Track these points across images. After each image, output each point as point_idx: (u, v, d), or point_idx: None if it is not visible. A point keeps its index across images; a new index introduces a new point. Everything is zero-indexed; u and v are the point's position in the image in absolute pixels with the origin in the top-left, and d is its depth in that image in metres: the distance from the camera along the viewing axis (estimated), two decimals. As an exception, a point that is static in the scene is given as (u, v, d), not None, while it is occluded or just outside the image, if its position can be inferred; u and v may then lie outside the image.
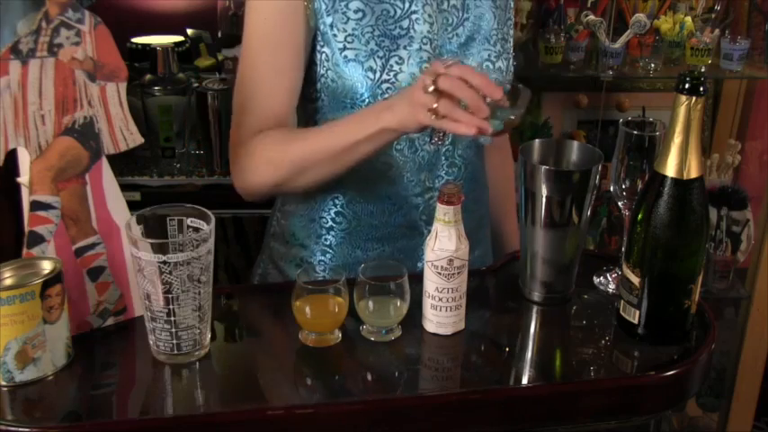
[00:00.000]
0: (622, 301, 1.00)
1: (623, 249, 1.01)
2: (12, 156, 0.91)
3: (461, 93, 0.93)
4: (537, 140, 1.08)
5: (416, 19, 1.10)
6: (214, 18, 2.35)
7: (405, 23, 1.10)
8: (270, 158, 1.09)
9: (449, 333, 0.99)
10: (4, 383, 0.88)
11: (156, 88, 2.04)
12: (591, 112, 2.27)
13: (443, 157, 1.18)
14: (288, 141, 1.09)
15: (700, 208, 0.93)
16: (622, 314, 1.00)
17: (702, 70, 2.04)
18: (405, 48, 1.10)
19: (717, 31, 2.06)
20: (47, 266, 0.90)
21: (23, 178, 0.93)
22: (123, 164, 2.03)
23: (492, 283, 1.15)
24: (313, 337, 0.97)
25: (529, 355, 1.01)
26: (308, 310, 0.96)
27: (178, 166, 2.08)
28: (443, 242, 0.96)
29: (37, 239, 0.93)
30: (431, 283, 0.97)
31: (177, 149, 2.09)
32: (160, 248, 0.87)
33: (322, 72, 1.12)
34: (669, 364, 0.95)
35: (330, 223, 1.20)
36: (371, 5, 1.09)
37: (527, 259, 1.07)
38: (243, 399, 0.91)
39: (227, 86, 2.00)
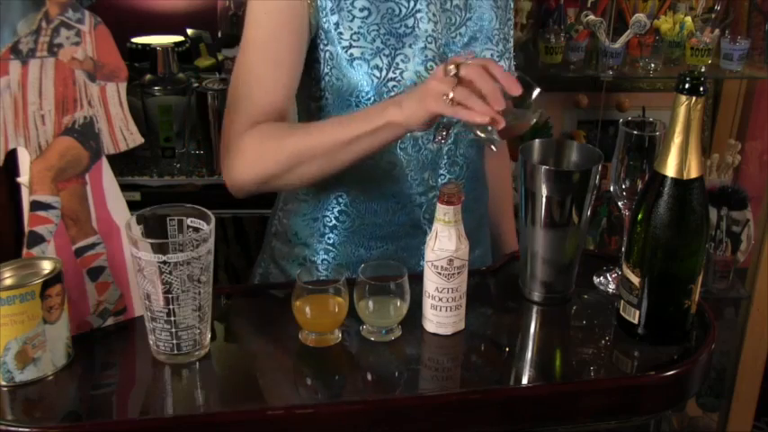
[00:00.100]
0: (622, 301, 1.00)
1: (623, 249, 1.01)
2: (12, 156, 0.91)
3: (482, 81, 0.92)
4: (537, 140, 1.08)
5: (421, 18, 1.11)
6: (214, 18, 2.35)
7: (410, 22, 1.10)
8: (265, 150, 1.07)
9: (449, 333, 0.99)
10: (4, 383, 0.88)
11: (156, 88, 2.04)
12: (591, 112, 2.27)
13: (446, 156, 1.19)
14: (286, 134, 1.07)
15: (700, 208, 0.93)
16: (622, 314, 1.00)
17: (702, 70, 2.04)
18: (410, 46, 1.10)
19: (717, 31, 2.06)
20: (47, 266, 0.90)
21: (23, 178, 0.93)
22: (123, 164, 2.03)
23: (492, 283, 1.15)
24: (313, 337, 0.97)
25: (529, 355, 1.01)
26: (307, 310, 0.96)
27: (178, 166, 2.08)
28: (443, 242, 0.96)
29: (37, 239, 0.93)
30: (431, 283, 0.97)
31: (177, 149, 2.09)
32: (160, 248, 0.87)
33: (326, 71, 1.12)
34: (669, 364, 0.95)
35: (334, 222, 1.20)
36: (377, 4, 1.09)
37: (527, 259, 1.07)
38: (243, 399, 0.91)
39: (227, 86, 2.00)
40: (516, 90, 0.93)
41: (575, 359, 0.98)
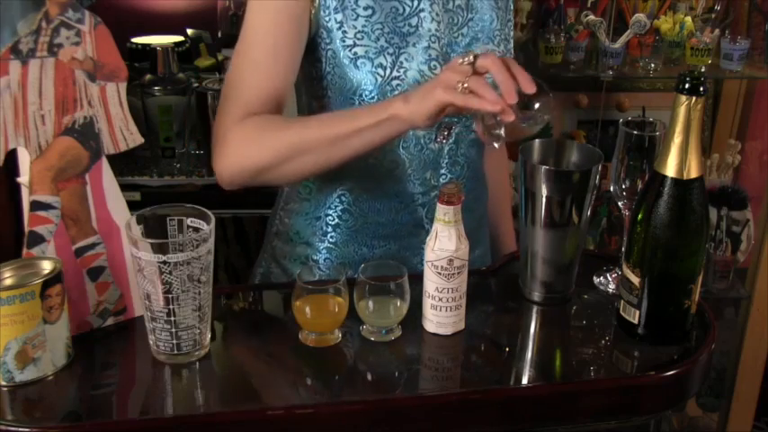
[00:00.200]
0: (622, 301, 1.00)
1: (623, 249, 1.01)
2: (12, 156, 0.91)
3: (498, 72, 0.92)
4: (537, 140, 1.08)
5: (424, 17, 1.11)
6: (214, 18, 2.35)
7: (413, 21, 1.10)
8: (263, 139, 1.05)
9: (449, 333, 0.99)
10: (4, 383, 0.88)
11: (156, 88, 2.04)
12: (591, 112, 2.27)
13: (447, 156, 1.19)
14: (284, 125, 1.06)
15: (700, 208, 0.93)
16: (622, 314, 1.00)
17: (702, 70, 2.04)
18: (413, 45, 1.10)
19: (717, 31, 2.06)
20: (47, 266, 0.90)
21: (23, 178, 0.93)
22: (123, 164, 2.03)
23: (492, 283, 1.15)
24: (313, 337, 0.97)
25: (529, 355, 1.01)
26: (307, 310, 0.97)
27: (178, 166, 2.09)
28: (443, 242, 0.96)
29: (37, 239, 0.93)
30: (431, 283, 0.97)
31: (177, 149, 2.09)
32: (160, 248, 0.87)
33: (328, 70, 1.12)
34: (669, 364, 0.95)
35: (336, 220, 1.20)
36: (380, 3, 1.09)
37: (527, 259, 1.07)
38: (243, 399, 0.91)
39: (227, 86, 2.00)
40: (531, 88, 0.93)
41: (575, 359, 0.98)
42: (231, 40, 2.24)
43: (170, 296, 0.89)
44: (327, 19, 1.08)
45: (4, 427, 0.82)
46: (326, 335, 0.98)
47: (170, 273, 0.87)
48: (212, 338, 0.97)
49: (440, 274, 0.96)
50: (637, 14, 1.99)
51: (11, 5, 0.88)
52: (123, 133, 0.97)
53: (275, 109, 1.08)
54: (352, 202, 1.19)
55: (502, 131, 0.96)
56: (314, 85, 1.15)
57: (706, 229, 0.95)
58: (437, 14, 1.12)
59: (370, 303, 0.98)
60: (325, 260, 1.22)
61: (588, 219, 1.06)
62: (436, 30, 1.12)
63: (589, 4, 2.10)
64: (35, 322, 0.87)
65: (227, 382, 0.94)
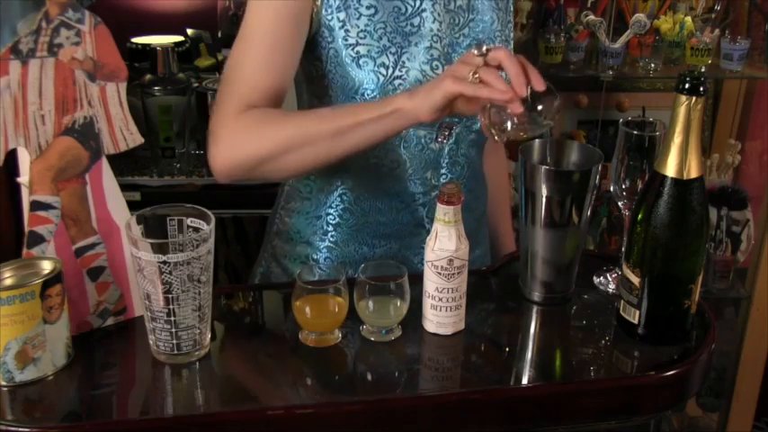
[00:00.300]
0: (622, 301, 1.00)
1: (623, 249, 1.01)
2: (12, 156, 0.91)
3: (511, 64, 0.93)
4: (537, 140, 1.08)
5: (426, 17, 1.11)
6: (214, 18, 2.35)
7: (415, 21, 1.10)
8: (262, 131, 1.03)
9: (449, 333, 0.99)
10: (4, 383, 0.88)
11: (156, 88, 2.04)
12: (591, 112, 2.27)
13: (447, 156, 1.19)
14: (284, 117, 1.05)
15: (700, 208, 0.93)
16: (622, 314, 1.00)
17: (702, 70, 2.04)
18: (416, 45, 1.10)
19: (717, 31, 2.06)
20: (47, 266, 0.90)
21: (23, 178, 0.93)
22: (123, 164, 2.03)
23: (492, 283, 1.15)
24: (313, 337, 0.97)
25: (529, 355, 1.01)
26: (307, 310, 0.96)
27: (178, 166, 2.09)
28: (443, 242, 0.95)
29: (37, 239, 0.93)
30: (431, 283, 0.97)
31: (177, 149, 2.09)
32: (160, 248, 0.87)
33: (329, 68, 1.12)
34: (669, 364, 0.95)
35: (337, 219, 1.20)
36: (383, 2, 1.09)
37: (527, 259, 1.07)
38: (243, 399, 0.91)
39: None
40: (540, 85, 0.94)
41: (575, 359, 0.98)
42: (231, 40, 2.22)
43: (170, 296, 0.89)
44: (330, 18, 1.08)
45: (4, 427, 0.82)
46: (326, 335, 0.98)
47: (170, 273, 0.87)
48: (212, 338, 0.97)
49: (440, 274, 0.96)
50: (637, 14, 1.99)
51: (11, 5, 0.88)
52: (123, 133, 0.97)
53: (273, 105, 1.07)
54: (353, 201, 1.19)
55: (508, 125, 0.95)
56: (315, 84, 1.15)
57: (706, 229, 0.95)
58: (439, 14, 1.12)
59: (370, 303, 0.98)
60: (325, 259, 1.22)
61: (588, 219, 1.06)
62: (438, 30, 1.12)
63: (589, 4, 2.10)
64: (35, 322, 0.87)
65: (227, 382, 0.94)
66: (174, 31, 2.31)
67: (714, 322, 1.03)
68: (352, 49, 1.09)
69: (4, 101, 0.88)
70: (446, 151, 1.19)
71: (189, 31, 2.32)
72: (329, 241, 1.22)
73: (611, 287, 1.11)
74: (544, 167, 1.01)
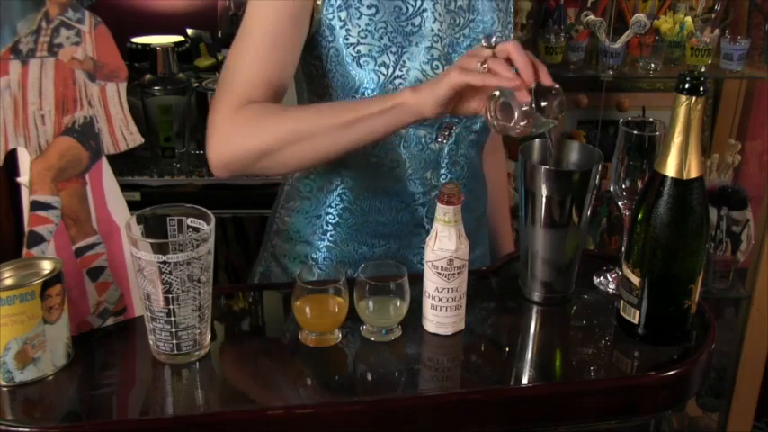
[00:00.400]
0: (622, 301, 1.00)
1: (623, 249, 1.01)
2: (12, 156, 0.91)
3: (520, 57, 0.93)
4: (537, 140, 1.08)
5: (427, 17, 1.11)
6: (214, 18, 2.36)
7: (416, 21, 1.10)
8: (263, 124, 1.02)
9: (449, 333, 0.99)
10: (4, 383, 0.88)
11: (156, 88, 2.04)
12: (591, 112, 2.27)
13: (447, 156, 1.19)
14: (285, 111, 1.04)
15: (700, 208, 0.93)
16: (622, 314, 1.00)
17: (702, 70, 2.04)
18: (416, 45, 1.10)
19: (717, 31, 2.06)
20: (47, 266, 0.90)
21: (23, 178, 0.93)
22: (123, 164, 2.04)
23: (492, 283, 1.15)
24: (313, 337, 0.97)
25: (529, 355, 1.01)
26: (307, 310, 0.96)
27: (178, 166, 2.09)
28: (443, 242, 0.95)
29: (37, 239, 0.93)
30: (431, 283, 0.97)
31: (177, 149, 2.09)
32: (160, 248, 0.87)
33: (329, 68, 1.12)
34: (669, 364, 0.95)
35: (337, 219, 1.20)
36: (384, 2, 1.09)
37: (527, 259, 1.07)
38: (243, 399, 0.91)
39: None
40: (547, 79, 0.94)
41: (575, 359, 0.98)
42: (231, 40, 2.21)
43: (170, 296, 0.89)
44: (331, 17, 1.08)
45: (4, 427, 0.82)
46: (326, 335, 0.98)
47: (170, 273, 0.87)
48: (212, 338, 0.97)
49: (440, 274, 0.96)
50: (637, 14, 1.99)
51: (11, 5, 0.88)
52: (123, 133, 0.97)
53: (273, 101, 1.06)
54: (353, 200, 1.19)
55: (515, 113, 0.95)
56: (315, 84, 1.15)
57: (706, 229, 0.95)
58: (440, 15, 1.12)
59: (370, 303, 0.98)
60: (324, 259, 1.22)
61: (588, 219, 1.06)
62: (439, 30, 1.12)
63: (589, 4, 2.10)
64: (35, 322, 0.87)
65: (227, 382, 0.94)
66: (174, 31, 2.31)
67: (714, 322, 1.03)
68: (353, 49, 1.09)
69: (4, 101, 0.88)
70: (446, 151, 1.19)
71: (189, 31, 2.32)
72: (328, 240, 1.22)
73: (611, 287, 1.11)
74: (544, 167, 1.01)
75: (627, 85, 2.29)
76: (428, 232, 0.98)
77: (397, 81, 1.09)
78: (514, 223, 1.83)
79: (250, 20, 1.07)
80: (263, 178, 2.03)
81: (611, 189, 1.08)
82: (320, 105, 1.09)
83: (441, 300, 0.97)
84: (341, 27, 1.08)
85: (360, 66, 1.09)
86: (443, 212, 0.95)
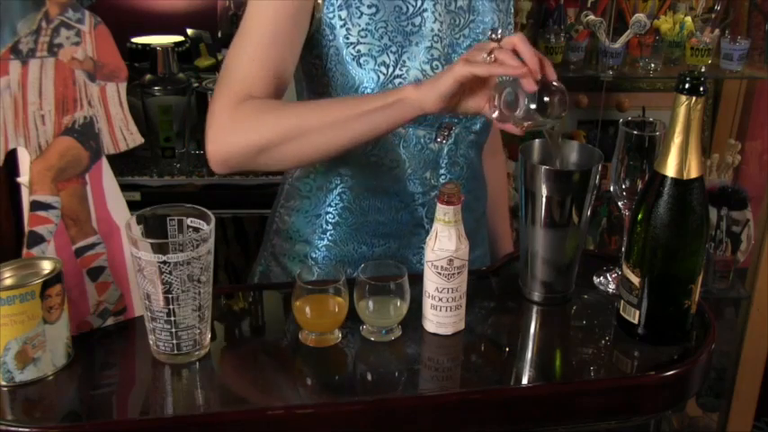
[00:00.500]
0: (622, 301, 1.00)
1: (623, 249, 1.01)
2: (12, 156, 0.91)
3: (526, 49, 0.93)
4: (537, 140, 1.08)
5: (427, 17, 1.11)
6: (214, 18, 2.36)
7: (417, 20, 1.10)
8: (263, 119, 1.02)
9: (449, 333, 0.99)
10: (4, 383, 0.88)
11: (156, 88, 2.04)
12: (591, 112, 2.27)
13: (446, 157, 1.19)
14: (285, 106, 1.04)
15: (700, 208, 0.93)
16: (622, 314, 1.00)
17: (702, 70, 2.04)
18: (416, 44, 1.10)
19: (717, 31, 2.06)
20: (47, 266, 0.90)
21: (23, 178, 0.93)
22: (123, 164, 2.03)
23: (492, 283, 1.15)
24: (313, 337, 0.97)
25: (529, 355, 1.01)
26: (307, 310, 0.96)
27: (178, 166, 2.09)
28: (443, 242, 0.95)
29: (37, 239, 0.93)
30: (431, 283, 0.97)
31: (177, 149, 2.09)
32: (160, 248, 0.87)
33: (330, 67, 1.12)
34: (669, 364, 0.95)
35: (336, 218, 1.20)
36: (384, 1, 1.09)
37: (527, 259, 1.07)
38: (243, 399, 0.91)
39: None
40: (553, 74, 0.95)
41: (575, 359, 0.98)
42: (231, 40, 2.24)
43: (170, 296, 0.89)
44: (331, 16, 1.08)
45: (4, 427, 0.82)
46: (326, 335, 0.98)
47: (170, 273, 0.87)
48: (212, 338, 0.97)
49: (440, 274, 0.96)
50: (637, 14, 1.99)
51: (11, 5, 0.88)
52: (123, 133, 0.97)
53: (273, 96, 1.06)
54: (352, 200, 1.19)
55: (521, 102, 0.94)
56: (315, 82, 1.15)
57: (706, 229, 0.95)
58: (440, 15, 1.12)
59: (370, 303, 0.98)
60: (324, 258, 1.22)
61: (588, 219, 1.06)
62: (439, 30, 1.12)
63: (589, 4, 2.10)
64: (35, 322, 0.87)
65: (227, 382, 0.94)
66: (174, 31, 2.31)
67: (714, 322, 1.03)
68: (353, 48, 1.09)
69: (4, 101, 0.88)
70: (445, 152, 1.19)
71: (189, 31, 2.32)
72: (328, 240, 1.22)
73: (611, 287, 1.11)
74: (544, 167, 1.01)
75: (627, 85, 2.29)
76: (428, 232, 0.98)
77: (397, 81, 1.10)
78: (514, 223, 1.83)
79: (249, 19, 1.06)
80: (263, 178, 2.03)
81: (611, 189, 1.08)
82: (321, 101, 1.09)
83: (441, 300, 0.97)
84: (341, 26, 1.09)
85: (360, 65, 1.09)
86: (443, 212, 0.95)
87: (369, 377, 0.94)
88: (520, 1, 2.09)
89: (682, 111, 0.90)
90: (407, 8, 1.10)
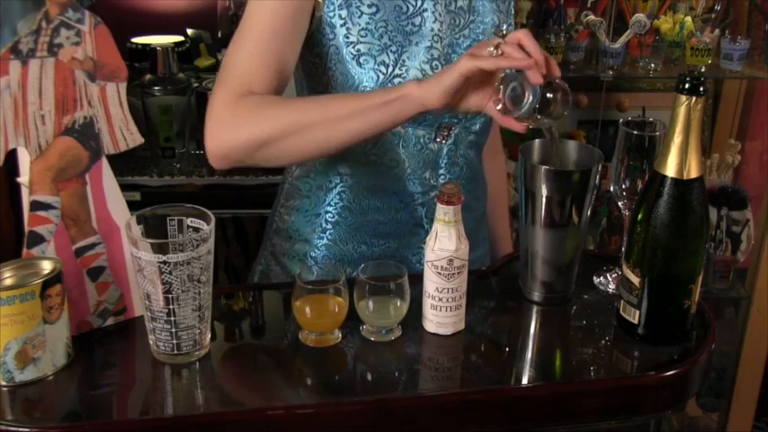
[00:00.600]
0: (622, 301, 1.00)
1: (623, 249, 1.01)
2: (12, 156, 0.91)
3: (532, 45, 0.93)
4: (537, 140, 1.08)
5: (427, 17, 1.11)
6: (214, 18, 2.36)
7: (417, 20, 1.11)
8: (263, 114, 1.01)
9: (449, 333, 0.99)
10: (4, 383, 0.88)
11: (156, 88, 2.04)
12: (591, 112, 2.27)
13: (446, 157, 1.19)
14: (286, 101, 1.04)
15: (700, 208, 0.93)
16: (622, 314, 1.00)
17: (702, 70, 2.04)
18: (416, 44, 1.10)
19: (717, 31, 2.06)
20: (47, 266, 0.90)
21: (23, 178, 0.93)
22: (123, 164, 2.03)
23: (492, 283, 1.15)
24: (313, 337, 0.97)
25: (529, 355, 1.01)
26: (307, 310, 0.97)
27: (178, 166, 2.09)
28: (443, 242, 0.95)
29: (37, 239, 0.93)
30: (431, 283, 0.97)
31: (177, 149, 2.09)
32: (160, 248, 0.87)
33: (329, 66, 1.12)
34: (669, 364, 0.95)
35: (336, 218, 1.20)
36: (384, 1, 1.09)
37: (527, 259, 1.07)
38: (243, 399, 0.91)
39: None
40: (557, 71, 0.95)
41: (575, 359, 0.98)
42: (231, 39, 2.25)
43: (170, 296, 0.89)
44: (332, 15, 1.08)
45: (4, 427, 0.82)
46: (326, 335, 0.98)
47: (170, 273, 0.87)
48: (212, 338, 0.97)
49: (440, 274, 0.96)
50: (637, 14, 1.99)
51: (11, 5, 0.88)
52: (123, 133, 0.97)
53: (273, 92, 1.05)
54: (352, 199, 1.19)
55: (526, 96, 0.94)
56: (315, 81, 1.15)
57: (706, 229, 0.95)
58: (440, 15, 1.12)
59: (370, 303, 0.98)
60: (323, 257, 1.22)
61: (588, 219, 1.06)
62: (439, 30, 1.12)
63: (589, 4, 2.10)
64: (35, 322, 0.87)
65: (227, 382, 0.94)
66: (174, 31, 2.31)
67: (714, 322, 1.03)
68: (353, 47, 1.09)
69: (4, 101, 0.88)
70: (445, 152, 1.19)
71: (189, 31, 2.32)
72: (327, 239, 1.22)
73: (611, 287, 1.11)
74: (544, 167, 1.01)
75: (627, 85, 2.29)
76: (427, 232, 0.98)
77: (397, 80, 1.10)
78: (514, 223, 1.83)
79: (249, 18, 1.06)
80: (262, 178, 2.03)
81: (611, 189, 1.08)
82: (321, 97, 1.09)
83: (441, 300, 0.97)
84: (341, 25, 1.09)
85: (359, 64, 1.09)
86: (443, 212, 0.95)
87: (369, 377, 0.94)
88: (520, 1, 2.09)
89: (682, 111, 0.90)
90: (407, 8, 1.11)
